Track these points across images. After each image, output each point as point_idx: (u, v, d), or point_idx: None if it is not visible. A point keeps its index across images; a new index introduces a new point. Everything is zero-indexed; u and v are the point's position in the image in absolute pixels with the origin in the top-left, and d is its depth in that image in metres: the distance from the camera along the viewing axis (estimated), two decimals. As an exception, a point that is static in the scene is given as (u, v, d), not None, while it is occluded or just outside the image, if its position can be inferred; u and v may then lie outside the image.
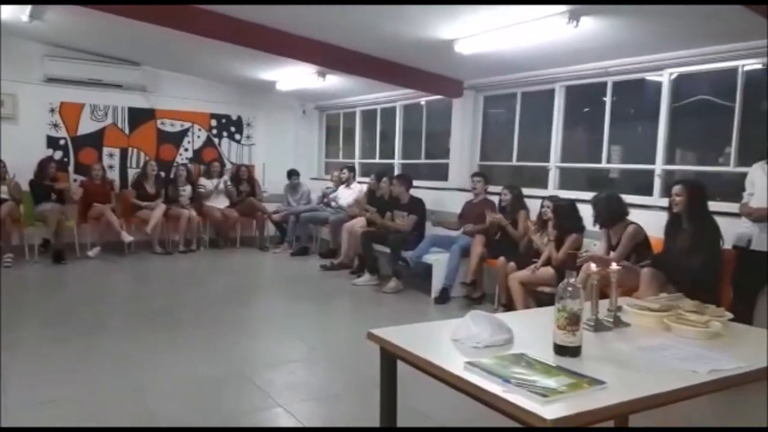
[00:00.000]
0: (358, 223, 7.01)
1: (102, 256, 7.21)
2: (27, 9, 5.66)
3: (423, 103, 7.51)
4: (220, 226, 8.32)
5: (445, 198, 6.80)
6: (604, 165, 5.51)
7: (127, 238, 7.30)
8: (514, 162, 6.37)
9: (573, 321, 1.84)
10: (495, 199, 5.91)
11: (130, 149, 8.30)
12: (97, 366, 3.69)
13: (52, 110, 7.75)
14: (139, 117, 8.31)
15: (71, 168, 7.88)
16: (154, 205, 7.66)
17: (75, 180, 7.80)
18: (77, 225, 7.30)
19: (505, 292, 5.10)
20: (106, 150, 8.13)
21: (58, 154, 7.77)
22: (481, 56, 5.28)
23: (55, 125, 7.79)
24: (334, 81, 7.28)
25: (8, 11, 5.85)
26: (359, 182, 8.03)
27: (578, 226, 4.79)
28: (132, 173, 8.21)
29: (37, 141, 7.62)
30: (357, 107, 8.75)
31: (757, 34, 3.95)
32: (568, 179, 5.89)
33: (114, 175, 8.09)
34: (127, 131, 8.26)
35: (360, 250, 6.61)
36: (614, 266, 2.33)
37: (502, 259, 5.19)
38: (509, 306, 4.94)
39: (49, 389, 3.26)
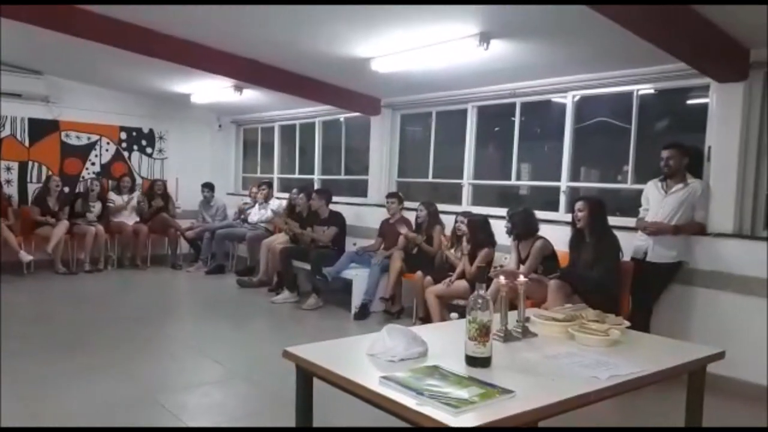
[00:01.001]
0: (277, 240, 6.92)
1: (-3, 277, 6.71)
2: None
3: (342, 119, 7.55)
4: (130, 243, 7.95)
5: (364, 213, 6.84)
6: (513, 182, 5.75)
7: (26, 257, 6.83)
8: (430, 179, 6.53)
9: (483, 332, 1.91)
10: (411, 214, 6.02)
11: (30, 163, 7.79)
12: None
13: (-59, 120, 7.18)
14: (40, 129, 7.82)
15: (-38, 182, 7.30)
16: (56, 222, 7.22)
17: (-34, 195, 7.23)
18: (-32, 244, 6.74)
19: (423, 306, 5.19)
20: (3, 163, 7.59)
21: (-54, 168, 7.19)
22: (397, 75, 5.39)
23: (-56, 136, 7.21)
24: (251, 95, 7.18)
25: None
26: (278, 197, 7.94)
27: (490, 241, 4.98)
28: (32, 188, 7.70)
29: None
30: (276, 122, 8.67)
31: (650, 61, 4.28)
32: (480, 195, 6.10)
33: (12, 190, 7.56)
34: (27, 143, 7.76)
35: (279, 266, 6.52)
36: (522, 278, 2.44)
37: (419, 273, 5.29)
38: (427, 319, 5.03)
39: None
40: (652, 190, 4.24)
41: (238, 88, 6.91)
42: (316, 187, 7.64)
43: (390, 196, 6.20)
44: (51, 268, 7.20)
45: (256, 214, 7.88)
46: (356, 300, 5.74)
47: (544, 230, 4.64)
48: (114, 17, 4.83)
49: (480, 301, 1.91)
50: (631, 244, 4.23)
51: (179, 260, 8.17)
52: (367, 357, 2.02)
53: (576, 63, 4.75)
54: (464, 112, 6.09)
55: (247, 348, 4.74)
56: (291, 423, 2.10)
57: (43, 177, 7.72)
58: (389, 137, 6.86)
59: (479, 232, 4.99)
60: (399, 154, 6.93)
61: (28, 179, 7.76)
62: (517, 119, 5.62)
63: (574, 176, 5.26)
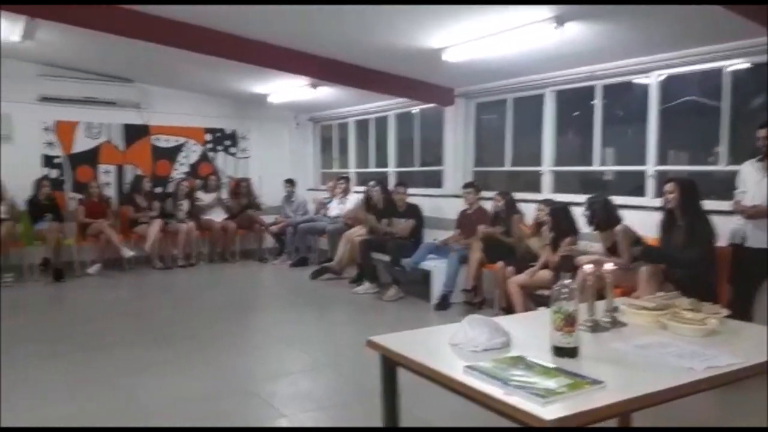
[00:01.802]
0: (357, 232, 7.04)
1: (102, 273, 7.22)
2: (18, 29, 5.69)
3: (415, 111, 7.56)
4: (219, 239, 8.33)
5: (441, 204, 6.83)
6: (596, 167, 5.55)
7: (128, 252, 7.32)
8: (508, 167, 6.42)
9: (569, 322, 1.87)
10: (489, 204, 5.94)
11: (125, 166, 8.33)
12: (97, 383, 3.70)
13: (47, 129, 7.77)
14: (133, 134, 8.34)
15: (68, 186, 7.90)
16: (150, 220, 7.68)
17: (72, 198, 7.82)
18: (76, 243, 7.31)
19: (505, 297, 5.13)
20: (101, 167, 8.15)
21: (54, 173, 7.79)
22: (470, 64, 5.33)
23: (51, 144, 7.81)
24: (326, 92, 7.32)
25: None
26: (355, 191, 8.07)
27: (573, 229, 4.84)
28: (128, 189, 8.23)
29: (33, 160, 7.64)
30: (350, 117, 8.80)
31: (740, 35, 4.01)
32: (561, 182, 5.94)
33: (110, 192, 8.11)
34: (122, 148, 8.29)
35: (359, 258, 6.63)
36: (609, 266, 2.36)
37: (500, 263, 5.22)
38: (509, 310, 4.96)
39: (44, 407, 3.27)
40: (749, 171, 3.97)
41: (314, 86, 7.06)
42: (391, 180, 7.70)
43: (466, 186, 6.16)
44: (148, 264, 7.67)
45: (335, 208, 8.04)
46: (436, 291, 5.75)
47: (630, 216, 4.47)
48: (195, 23, 5.07)
49: (565, 290, 1.87)
50: (726, 228, 3.99)
51: (265, 254, 8.48)
52: (450, 347, 2.03)
53: (658, 41, 4.52)
54: (541, 97, 5.94)
55: (332, 338, 4.87)
56: (377, 411, 2.14)
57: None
58: (464, 127, 6.80)
59: (561, 220, 4.86)
60: (475, 143, 6.85)
61: (124, 181, 8.29)
62: (597, 103, 5.42)
63: (662, 159, 5.02)
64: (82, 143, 8.01)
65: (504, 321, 2.23)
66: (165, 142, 8.60)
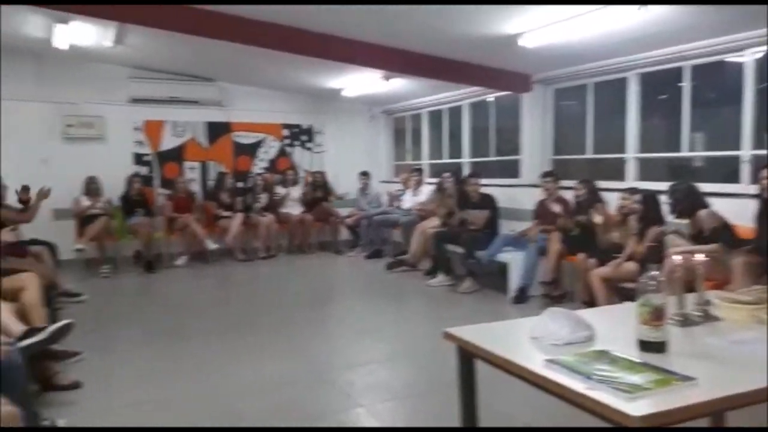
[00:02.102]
0: (430, 224, 7.01)
1: (189, 265, 7.58)
2: (111, 35, 6.04)
3: (491, 99, 7.43)
4: (296, 231, 8.55)
5: (517, 195, 6.69)
6: (684, 153, 5.26)
7: (211, 246, 7.63)
8: (589, 154, 6.19)
9: (657, 316, 1.78)
10: (569, 193, 5.76)
11: (209, 162, 8.69)
12: (184, 367, 3.90)
13: (137, 128, 8.23)
14: (216, 131, 8.68)
15: (156, 182, 8.34)
16: (232, 214, 7.99)
17: (160, 194, 8.26)
18: (165, 236, 7.71)
19: (587, 290, 4.95)
20: (187, 164, 8.54)
21: (144, 170, 8.24)
22: (548, 49, 5.17)
23: (140, 142, 8.27)
24: (399, 84, 7.33)
25: (93, 37, 6.27)
26: (428, 183, 8.04)
27: (661, 218, 4.60)
28: (212, 185, 8.58)
29: (125, 158, 8.11)
30: (423, 108, 8.77)
31: None
32: (647, 169, 5.66)
33: (195, 187, 8.48)
34: (205, 145, 8.65)
35: (432, 250, 6.61)
36: (699, 257, 2.23)
37: (581, 255, 5.05)
38: (591, 303, 4.78)
39: (140, 389, 3.48)
40: None
41: (386, 78, 7.08)
42: (465, 170, 7.61)
43: (545, 175, 5.99)
44: (231, 256, 7.98)
45: (408, 201, 8.05)
46: (513, 284, 5.64)
47: (722, 205, 4.20)
48: (271, 21, 5.19)
49: (653, 282, 1.78)
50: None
51: (340, 246, 8.62)
52: (530, 340, 1.98)
53: (752, 17, 4.19)
54: (624, 81, 5.68)
55: (407, 329, 4.88)
56: (454, 403, 2.13)
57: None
58: (542, 114, 6.62)
59: (651, 208, 4.63)
60: (553, 130, 6.66)
61: (208, 177, 8.66)
62: (686, 84, 5.12)
63: (758, 143, 4.67)
64: (168, 141, 8.42)
65: (586, 314, 2.16)
66: (245, 138, 8.89)
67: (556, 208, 5.60)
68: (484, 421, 2.16)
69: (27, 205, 5.80)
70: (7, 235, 4.17)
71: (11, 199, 5.83)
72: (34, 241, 5.59)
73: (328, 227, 8.77)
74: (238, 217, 7.96)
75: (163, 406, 3.25)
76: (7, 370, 2.45)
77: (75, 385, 3.42)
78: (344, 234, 8.81)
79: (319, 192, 8.74)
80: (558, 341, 1.92)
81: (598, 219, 5.19)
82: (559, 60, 5.82)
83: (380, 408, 3.21)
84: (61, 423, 2.84)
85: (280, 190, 8.65)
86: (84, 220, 7.08)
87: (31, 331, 3.10)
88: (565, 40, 4.92)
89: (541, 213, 5.98)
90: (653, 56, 5.25)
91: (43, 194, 5.73)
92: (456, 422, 2.16)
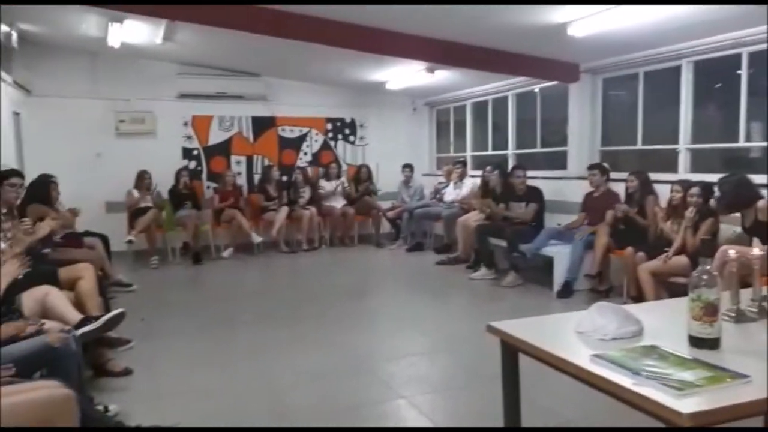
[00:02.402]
0: (473, 217, 6.95)
1: (234, 257, 7.74)
2: (160, 32, 6.20)
3: (537, 90, 7.29)
4: (338, 224, 8.60)
5: (564, 187, 6.55)
6: (742, 144, 5.03)
7: (257, 238, 7.77)
8: (639, 145, 6.01)
9: (710, 311, 1.71)
10: (619, 185, 5.61)
11: (254, 156, 8.83)
12: (231, 356, 3.99)
13: (186, 123, 8.43)
14: (261, 125, 8.81)
15: (204, 176, 8.53)
16: (278, 207, 8.10)
17: (208, 187, 8.44)
18: (212, 229, 7.89)
19: (635, 284, 4.82)
20: (233, 158, 8.71)
21: (192, 164, 8.44)
22: (597, 37, 5.03)
23: (189, 137, 8.47)
24: (443, 75, 7.27)
25: (144, 35, 6.45)
26: (472, 176, 7.96)
27: (713, 211, 4.43)
28: (257, 178, 8.71)
29: (174, 152, 8.32)
30: (467, 100, 8.67)
31: None
32: (700, 161, 5.45)
33: (241, 180, 8.63)
34: (251, 139, 8.79)
35: (475, 244, 6.55)
36: (756, 251, 2.13)
37: (629, 249, 4.91)
38: (639, 298, 4.66)
39: (189, 378, 3.57)
40: None
41: (430, 70, 7.03)
42: (510, 162, 7.50)
43: (592, 167, 5.85)
44: (275, 248, 8.10)
45: (451, 194, 7.99)
46: (558, 278, 5.53)
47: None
48: (314, 15, 5.21)
49: (705, 276, 1.71)
50: None
51: (382, 239, 8.64)
52: (576, 334, 1.94)
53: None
54: (677, 69, 5.48)
55: (449, 322, 4.85)
56: (495, 397, 2.10)
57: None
58: (590, 104, 6.45)
59: (705, 201, 4.46)
60: (602, 121, 6.48)
61: (254, 171, 8.80)
62: (743, 72, 4.90)
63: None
64: (216, 136, 8.60)
65: (635, 309, 2.10)
66: (290, 132, 9.00)
67: (608, 205, 5.46)
68: (526, 416, 2.13)
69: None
70: (50, 225, 4.35)
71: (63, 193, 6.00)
72: (88, 233, 5.81)
73: (369, 220, 8.80)
74: (284, 210, 8.07)
75: (210, 395, 3.33)
76: (64, 356, 2.56)
77: (126, 372, 3.54)
78: (386, 227, 8.82)
79: (361, 185, 8.77)
80: (605, 336, 1.88)
81: (643, 221, 5.07)
82: (609, 49, 5.66)
83: (421, 400, 3.20)
84: (113, 408, 2.94)
85: (323, 184, 8.72)
86: (135, 212, 7.31)
87: (86, 320, 3.22)
88: (615, 28, 4.78)
89: (589, 206, 5.84)
90: (708, 43, 5.04)
91: (74, 212, 5.69)
92: (498, 416, 2.14)
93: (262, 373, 3.64)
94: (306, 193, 8.48)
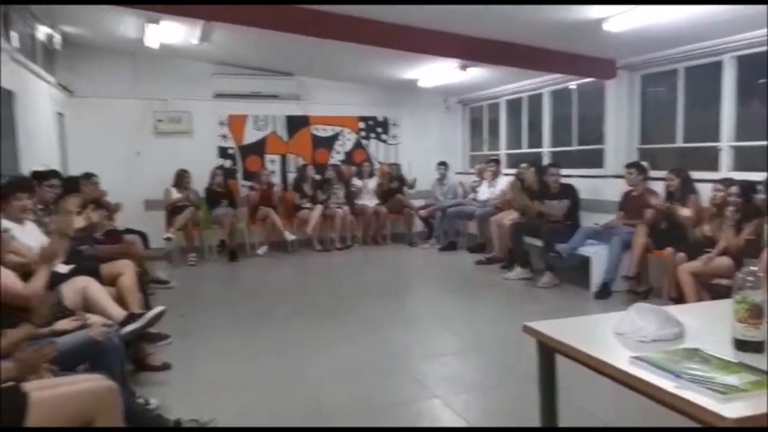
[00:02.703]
0: (507, 216, 6.88)
1: (269, 254, 7.83)
2: (197, 32, 6.31)
3: (573, 87, 7.18)
4: (371, 223, 8.63)
5: (601, 186, 6.44)
6: (788, 141, 4.87)
7: (290, 236, 7.85)
8: (679, 143, 5.86)
9: (755, 313, 1.67)
10: (658, 184, 5.48)
11: (288, 155, 8.92)
12: (266, 352, 4.04)
13: (221, 123, 8.56)
14: (295, 124, 8.89)
15: (239, 175, 8.65)
16: (312, 206, 8.17)
17: (243, 186, 8.56)
18: (247, 227, 8.00)
19: (674, 286, 4.71)
20: (267, 157, 8.81)
21: (227, 163, 8.57)
22: (635, 33, 4.92)
23: (224, 136, 8.59)
24: (476, 73, 7.21)
25: (181, 36, 6.57)
26: (505, 174, 7.88)
27: (760, 210, 4.29)
28: (290, 177, 8.80)
29: (210, 151, 8.46)
30: (501, 97, 8.59)
31: None
32: (744, 159, 5.29)
33: (275, 179, 8.73)
34: (285, 138, 8.88)
35: (510, 243, 6.49)
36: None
37: (669, 249, 4.80)
38: (679, 300, 4.55)
39: (225, 373, 3.63)
40: None
41: (463, 68, 6.99)
42: (545, 161, 7.41)
43: (630, 165, 5.73)
44: (309, 246, 8.16)
45: (484, 192, 7.94)
46: (596, 278, 5.45)
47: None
48: (347, 14, 5.23)
49: (751, 278, 1.66)
50: None
51: (414, 238, 8.63)
52: (614, 336, 1.91)
53: None
54: (718, 65, 5.33)
55: (483, 322, 4.82)
56: (530, 398, 2.08)
57: (299, 166, 8.76)
58: (627, 101, 6.32)
59: (749, 200, 4.32)
60: (640, 118, 6.35)
61: (287, 169, 8.89)
62: (790, 66, 4.73)
63: None
64: (250, 135, 8.71)
65: (675, 311, 2.05)
66: (323, 131, 9.06)
67: (653, 199, 5.34)
68: (563, 418, 2.11)
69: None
70: (94, 216, 4.49)
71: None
72: (128, 230, 5.96)
73: (402, 219, 8.80)
74: (318, 209, 8.14)
75: (246, 390, 3.38)
76: (107, 350, 2.63)
77: (165, 366, 3.63)
78: (418, 226, 8.80)
79: (394, 184, 8.77)
80: (645, 338, 1.85)
81: (686, 212, 4.92)
82: (647, 44, 5.54)
83: (455, 399, 3.19)
84: (153, 402, 3.01)
85: (356, 182, 8.75)
86: (172, 210, 7.45)
87: (130, 317, 3.30)
88: (653, 23, 4.67)
89: (626, 205, 5.73)
90: (753, 37, 4.88)
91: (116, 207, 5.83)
92: (533, 418, 2.12)
93: (297, 369, 3.68)
94: (340, 191, 8.53)
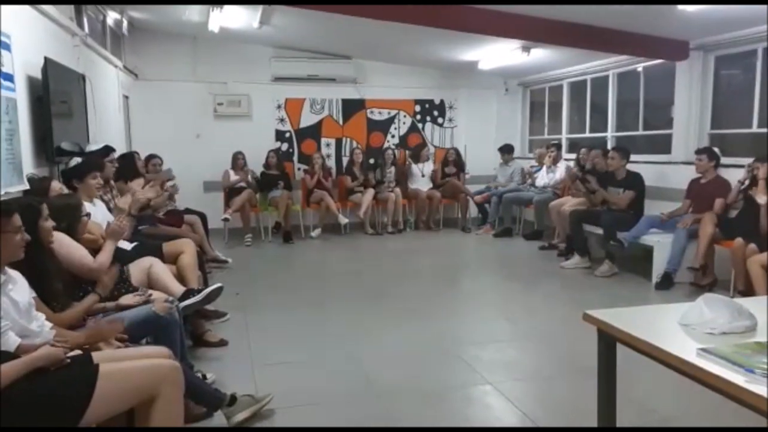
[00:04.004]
0: (567, 203, 6.70)
1: (323, 237, 7.91)
2: (258, 16, 6.38)
3: (640, 69, 6.87)
4: (424, 207, 8.58)
5: (667, 172, 6.16)
6: None
7: (343, 220, 7.90)
8: (755, 128, 5.53)
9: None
10: (729, 171, 5.20)
11: (344, 138, 8.95)
12: (320, 332, 4.10)
13: (279, 106, 8.66)
14: (351, 108, 8.90)
15: (295, 158, 8.75)
16: (364, 190, 8.19)
17: (299, 169, 8.66)
18: (302, 209, 8.11)
19: (743, 278, 4.47)
20: (323, 140, 8.87)
21: (284, 146, 8.68)
22: (710, 12, 4.65)
23: (282, 120, 8.70)
24: (539, 54, 7.00)
25: (241, 20, 6.66)
26: (566, 159, 7.65)
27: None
28: (345, 161, 8.83)
29: (267, 135, 8.59)
30: (564, 80, 8.32)
31: None
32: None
33: (330, 163, 8.79)
34: (341, 122, 8.91)
35: (568, 230, 6.31)
36: None
37: (739, 240, 4.55)
38: (748, 294, 4.32)
39: (280, 351, 3.69)
40: None
41: (526, 49, 6.79)
42: (609, 145, 7.15)
43: (700, 151, 5.44)
44: (362, 230, 8.20)
45: (543, 178, 7.75)
46: (658, 268, 5.23)
47: None
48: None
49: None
50: None
51: (468, 223, 8.53)
52: (680, 327, 1.82)
53: None
54: (802, 44, 4.97)
55: (538, 310, 4.72)
56: (584, 387, 2.02)
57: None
58: (700, 83, 6.00)
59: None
60: (712, 102, 6.02)
61: (343, 153, 8.93)
62: None
63: None
64: (307, 118, 8.78)
65: (747, 303, 1.93)
66: (378, 114, 9.04)
67: (716, 193, 5.08)
68: (620, 411, 2.03)
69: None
70: (150, 192, 4.65)
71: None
72: (188, 211, 6.14)
73: (456, 204, 8.70)
74: (370, 193, 8.15)
75: (299, 368, 3.43)
76: (169, 324, 2.73)
77: (222, 343, 3.73)
78: (473, 211, 8.68)
79: (451, 168, 8.67)
80: (713, 330, 1.77)
81: (762, 199, 4.65)
82: (723, 24, 5.23)
83: (508, 387, 3.13)
84: (210, 376, 3.10)
85: (410, 166, 8.70)
86: (230, 192, 7.62)
87: (189, 292, 3.40)
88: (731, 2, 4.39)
89: (694, 193, 5.46)
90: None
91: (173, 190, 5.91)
92: (588, 407, 2.05)
93: (349, 350, 3.71)
94: (392, 175, 8.50)
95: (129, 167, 5.47)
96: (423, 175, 8.64)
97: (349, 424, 2.74)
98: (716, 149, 5.51)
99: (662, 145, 6.49)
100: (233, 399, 2.72)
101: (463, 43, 6.88)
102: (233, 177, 7.69)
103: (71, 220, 2.86)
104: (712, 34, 5.65)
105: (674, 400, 2.88)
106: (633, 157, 6.15)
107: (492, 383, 3.18)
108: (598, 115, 7.77)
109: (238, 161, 7.76)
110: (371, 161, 8.68)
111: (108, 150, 4.89)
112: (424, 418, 2.81)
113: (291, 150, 8.74)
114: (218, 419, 2.72)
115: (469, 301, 5.11)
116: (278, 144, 8.61)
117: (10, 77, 3.48)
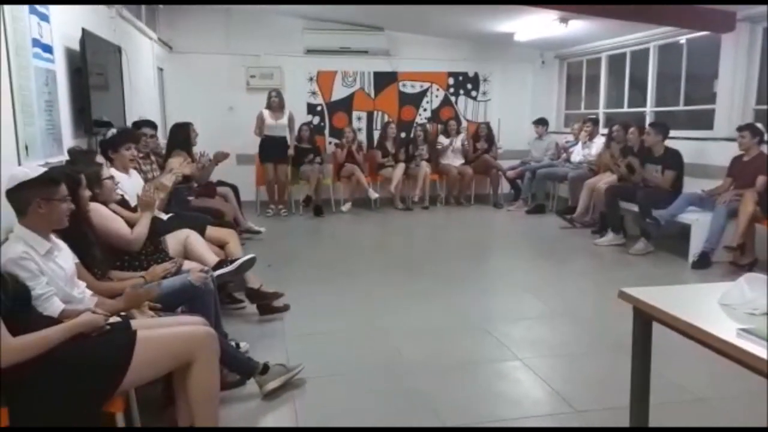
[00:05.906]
0: (602, 179, 6.56)
1: (353, 211, 7.93)
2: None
3: (683, 41, 6.63)
4: (456, 183, 8.51)
5: (708, 149, 5.97)
6: None
7: (374, 194, 7.90)
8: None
9: None
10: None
11: (375, 112, 8.89)
12: (351, 304, 4.15)
13: (311, 79, 8.63)
14: (383, 81, 8.82)
15: (326, 131, 8.74)
16: (395, 164, 8.15)
17: (330, 143, 8.65)
18: (333, 183, 8.13)
19: (785, 259, 4.35)
20: (355, 114, 8.83)
21: (316, 120, 8.67)
22: (761, -22, 4.43)
23: (313, 93, 8.68)
24: (577, 26, 6.80)
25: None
26: (602, 135, 7.48)
27: None
28: (377, 134, 8.79)
29: (300, 108, 8.57)
30: (602, 52, 8.08)
31: None
32: None
33: (361, 136, 8.75)
34: (372, 95, 8.85)
35: (604, 207, 6.19)
36: None
37: (781, 219, 4.41)
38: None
39: (311, 322, 3.75)
40: None
41: (564, 20, 6.60)
42: (648, 120, 6.95)
43: (742, 128, 5.25)
44: (391, 205, 8.20)
45: (579, 153, 7.60)
46: (695, 247, 5.11)
47: None
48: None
49: None
50: None
51: (500, 199, 8.44)
52: (720, 306, 1.78)
53: None
54: None
55: (570, 288, 4.66)
56: (617, 366, 1.99)
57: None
58: (746, 57, 5.76)
59: None
60: (758, 76, 5.78)
61: (374, 127, 8.88)
62: None
63: None
64: (338, 91, 8.73)
65: (791, 284, 1.87)
66: (411, 87, 8.93)
67: (760, 171, 4.91)
68: (654, 390, 2.01)
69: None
70: (186, 168, 4.71)
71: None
72: (221, 183, 6.20)
73: (488, 180, 8.60)
74: (401, 167, 8.11)
75: (330, 339, 3.48)
76: (203, 294, 2.77)
77: (285, 308, 3.84)
78: (505, 187, 8.58)
79: (483, 143, 8.55)
80: (755, 310, 1.73)
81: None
82: (773, -8, 4.98)
83: (537, 363, 3.12)
84: (243, 345, 3.16)
85: (442, 140, 8.61)
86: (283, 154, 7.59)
87: (222, 262, 3.46)
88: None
89: (736, 171, 5.29)
90: None
91: (221, 156, 5.71)
92: (620, 386, 2.03)
93: (379, 323, 3.74)
94: (424, 150, 8.43)
95: (183, 138, 5.49)
96: (453, 150, 8.53)
97: (378, 395, 2.77)
98: (759, 125, 5.31)
99: (704, 121, 6.28)
100: (265, 368, 2.77)
101: (500, 14, 6.72)
102: (269, 119, 7.59)
103: (92, 186, 2.81)
104: (761, 4, 5.39)
105: (709, 381, 2.83)
106: (673, 133, 5.97)
107: (522, 359, 3.17)
108: (637, 89, 7.54)
109: (272, 101, 7.58)
110: (402, 135, 8.61)
111: (147, 124, 4.96)
112: (452, 392, 2.82)
113: (322, 123, 8.73)
114: (251, 387, 2.78)
115: (499, 277, 5.08)
116: (310, 117, 8.60)
117: (49, 48, 3.53)
